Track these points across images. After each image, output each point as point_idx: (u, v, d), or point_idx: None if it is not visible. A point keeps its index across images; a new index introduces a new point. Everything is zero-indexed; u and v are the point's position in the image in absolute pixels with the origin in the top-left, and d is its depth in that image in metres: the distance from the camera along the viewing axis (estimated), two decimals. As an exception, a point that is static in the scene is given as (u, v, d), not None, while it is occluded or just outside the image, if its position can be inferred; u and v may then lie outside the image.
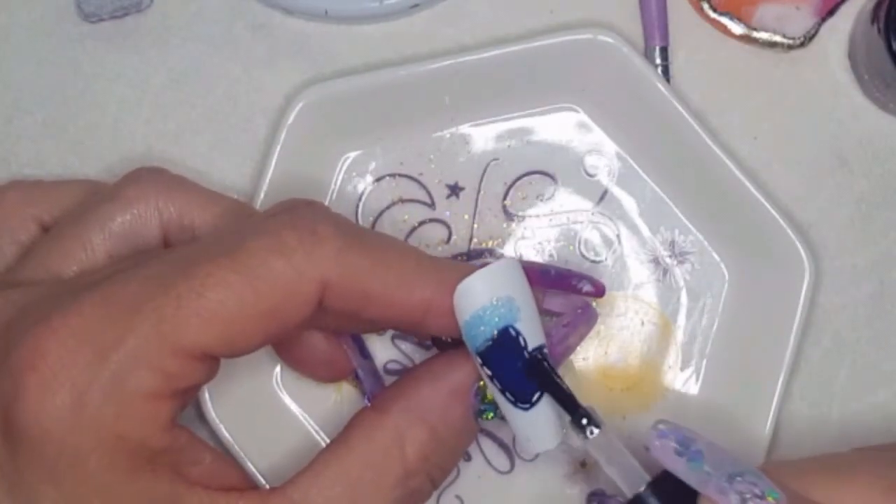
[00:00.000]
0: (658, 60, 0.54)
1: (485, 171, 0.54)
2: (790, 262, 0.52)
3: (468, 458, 0.53)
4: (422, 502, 0.43)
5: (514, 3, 0.54)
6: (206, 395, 0.51)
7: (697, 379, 0.54)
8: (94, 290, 0.39)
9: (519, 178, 0.54)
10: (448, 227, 0.54)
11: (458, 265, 0.44)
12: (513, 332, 0.41)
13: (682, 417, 0.53)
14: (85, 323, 0.38)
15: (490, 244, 0.54)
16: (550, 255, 0.54)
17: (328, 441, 0.52)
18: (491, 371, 0.42)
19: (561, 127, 0.54)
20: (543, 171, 0.54)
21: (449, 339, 0.45)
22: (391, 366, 0.54)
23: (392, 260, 0.41)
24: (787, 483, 0.41)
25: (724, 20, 0.54)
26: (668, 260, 0.54)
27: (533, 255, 0.54)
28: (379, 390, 0.50)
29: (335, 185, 0.54)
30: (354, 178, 0.54)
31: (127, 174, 0.46)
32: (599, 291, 0.51)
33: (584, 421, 0.42)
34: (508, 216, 0.54)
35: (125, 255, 0.44)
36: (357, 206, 0.54)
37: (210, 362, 0.40)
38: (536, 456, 0.53)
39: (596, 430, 0.42)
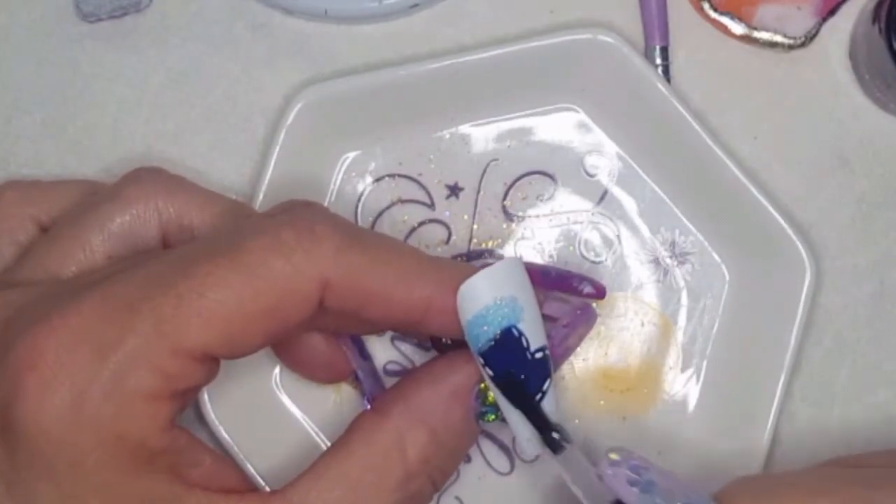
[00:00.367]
0: (658, 60, 0.54)
1: (484, 171, 0.54)
2: (791, 263, 0.52)
3: (468, 459, 0.53)
4: (422, 505, 0.43)
5: (514, 3, 0.54)
6: (206, 397, 0.51)
7: (698, 380, 0.54)
8: (94, 289, 0.39)
9: (519, 179, 0.54)
10: (448, 227, 0.54)
11: (458, 265, 0.44)
12: (515, 333, 0.41)
13: (682, 418, 0.53)
14: (84, 322, 0.38)
15: (490, 244, 0.54)
16: (550, 256, 0.54)
17: (327, 442, 0.53)
18: (493, 371, 0.42)
19: (561, 127, 0.54)
20: (543, 171, 0.54)
21: (449, 342, 0.45)
22: (391, 367, 0.54)
23: (391, 258, 0.41)
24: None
25: (725, 20, 0.54)
26: (668, 260, 0.54)
27: (533, 256, 0.54)
28: (378, 391, 0.50)
29: (335, 185, 0.54)
30: (354, 179, 0.54)
31: (126, 174, 0.46)
32: (600, 293, 0.51)
33: (556, 435, 0.42)
34: (508, 216, 0.54)
35: (124, 255, 0.44)
36: (356, 207, 0.54)
37: (210, 363, 0.40)
38: (536, 457, 0.53)
39: (567, 446, 0.42)
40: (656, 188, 0.54)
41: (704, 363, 0.54)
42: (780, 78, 0.54)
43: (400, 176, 0.54)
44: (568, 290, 0.50)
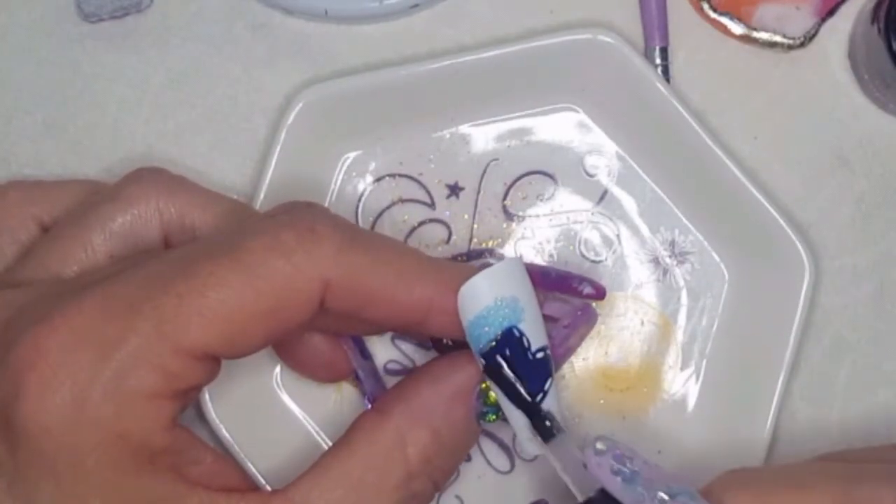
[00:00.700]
0: (658, 60, 0.54)
1: (485, 171, 0.54)
2: (790, 262, 0.52)
3: (468, 458, 0.53)
4: (424, 504, 0.43)
5: (514, 3, 0.54)
6: (207, 396, 0.51)
7: (697, 379, 0.54)
8: (95, 289, 0.39)
9: (519, 178, 0.54)
10: (448, 227, 0.54)
11: (459, 265, 0.44)
12: (517, 333, 0.41)
13: (681, 417, 0.53)
14: (86, 322, 0.38)
15: (490, 244, 0.54)
16: (550, 256, 0.54)
17: (328, 442, 0.53)
18: (493, 371, 0.42)
19: (561, 127, 0.54)
20: (543, 171, 0.54)
21: (449, 342, 0.45)
22: (391, 366, 0.54)
23: (392, 259, 0.41)
24: (737, 497, 0.41)
25: (724, 20, 0.54)
26: (668, 260, 0.54)
27: (533, 256, 0.54)
28: (379, 391, 0.50)
29: (335, 185, 0.54)
30: (354, 179, 0.54)
31: (127, 174, 0.46)
32: (600, 294, 0.51)
33: (548, 423, 0.42)
34: (508, 216, 0.54)
35: (125, 255, 0.44)
36: (357, 207, 0.54)
37: (211, 363, 0.40)
38: (536, 456, 0.53)
39: (558, 434, 0.42)
40: (656, 188, 0.54)
41: (704, 362, 0.54)
42: (779, 78, 0.54)
43: (400, 176, 0.54)
44: (568, 291, 0.50)
